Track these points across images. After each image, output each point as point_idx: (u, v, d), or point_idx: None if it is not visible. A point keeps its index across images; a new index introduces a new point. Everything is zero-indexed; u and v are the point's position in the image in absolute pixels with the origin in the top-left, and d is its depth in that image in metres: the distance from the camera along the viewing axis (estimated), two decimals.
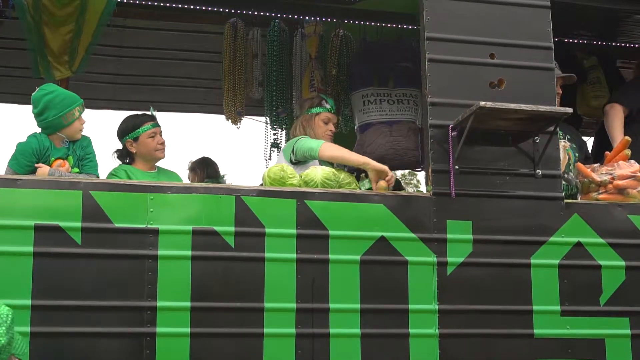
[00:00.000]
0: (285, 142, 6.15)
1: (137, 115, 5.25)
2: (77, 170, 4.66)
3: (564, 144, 5.32)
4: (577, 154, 5.42)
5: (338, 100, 6.41)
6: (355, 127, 6.11)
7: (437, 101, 4.69)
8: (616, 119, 5.62)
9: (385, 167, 4.80)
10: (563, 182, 5.14)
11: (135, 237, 4.21)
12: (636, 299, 4.73)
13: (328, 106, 5.32)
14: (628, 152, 5.11)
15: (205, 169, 6.64)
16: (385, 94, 5.97)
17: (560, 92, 5.28)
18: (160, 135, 5.18)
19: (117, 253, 4.18)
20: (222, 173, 6.57)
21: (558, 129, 5.23)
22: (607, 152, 5.23)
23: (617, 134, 5.57)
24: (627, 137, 5.23)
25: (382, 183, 4.73)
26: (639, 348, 4.68)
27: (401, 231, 4.49)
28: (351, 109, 6.24)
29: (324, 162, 5.03)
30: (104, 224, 4.18)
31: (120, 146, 5.19)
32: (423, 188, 4.80)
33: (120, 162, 5.18)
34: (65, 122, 4.64)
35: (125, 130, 5.13)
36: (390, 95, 5.97)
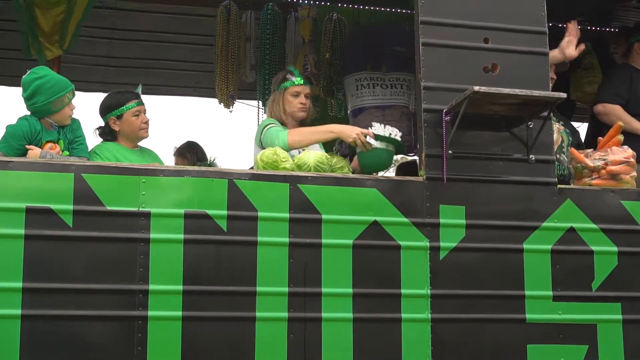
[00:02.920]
0: None
1: (121, 92, 5.12)
2: (67, 153, 4.62)
3: (557, 127, 5.33)
4: (570, 138, 5.42)
5: (331, 84, 6.40)
6: (348, 111, 6.11)
7: (430, 85, 4.67)
8: (623, 115, 5.60)
9: (349, 127, 4.77)
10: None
11: (127, 220, 4.19)
12: (628, 284, 4.74)
13: (294, 79, 5.07)
14: (621, 137, 5.11)
15: (194, 152, 6.62)
16: (379, 78, 5.97)
17: (555, 77, 5.28)
18: (145, 114, 5.07)
19: (109, 236, 4.16)
20: (212, 156, 6.54)
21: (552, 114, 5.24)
22: (600, 138, 5.23)
23: (636, 124, 5.59)
24: (620, 123, 5.22)
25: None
26: (630, 333, 4.70)
27: (394, 216, 4.48)
28: (344, 93, 6.23)
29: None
30: (96, 207, 4.16)
31: (102, 123, 5.07)
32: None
33: (102, 140, 5.06)
34: (54, 108, 4.57)
35: (109, 107, 5.01)
36: (384, 79, 5.96)
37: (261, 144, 4.87)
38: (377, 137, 4.61)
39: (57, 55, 5.68)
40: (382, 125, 4.67)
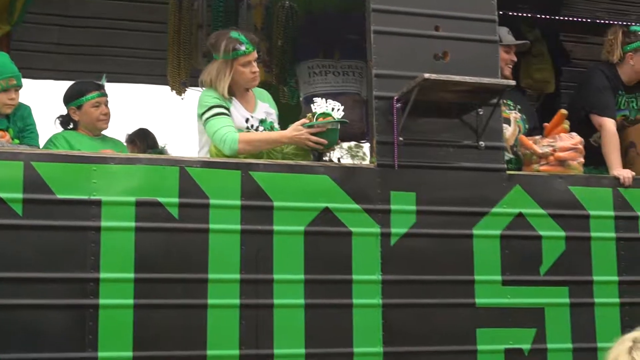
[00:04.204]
0: None
1: (84, 82, 5.12)
2: (17, 141, 4.57)
3: (514, 116, 5.38)
4: (526, 126, 5.45)
5: (283, 71, 6.40)
6: (301, 99, 6.12)
7: (381, 73, 4.70)
8: (615, 140, 5.36)
9: (297, 135, 4.56)
10: (511, 156, 5.21)
11: (78, 208, 4.16)
12: (575, 268, 4.82)
13: (243, 47, 4.70)
14: (567, 125, 5.18)
15: (145, 140, 6.59)
16: (331, 66, 5.98)
17: (516, 59, 5.34)
18: (106, 106, 5.06)
19: (60, 225, 4.13)
20: (163, 144, 6.51)
21: (509, 99, 5.29)
22: (545, 124, 5.29)
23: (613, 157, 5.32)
24: (564, 110, 5.29)
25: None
26: (577, 317, 4.78)
27: (345, 202, 4.51)
28: (297, 80, 6.24)
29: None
30: (46, 195, 4.13)
31: (64, 112, 5.07)
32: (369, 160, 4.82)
33: (63, 129, 5.06)
34: None
35: (70, 97, 5.01)
36: (336, 67, 5.98)
37: (202, 119, 4.66)
38: (319, 116, 4.55)
39: (5, 32, 5.57)
40: (324, 100, 4.60)
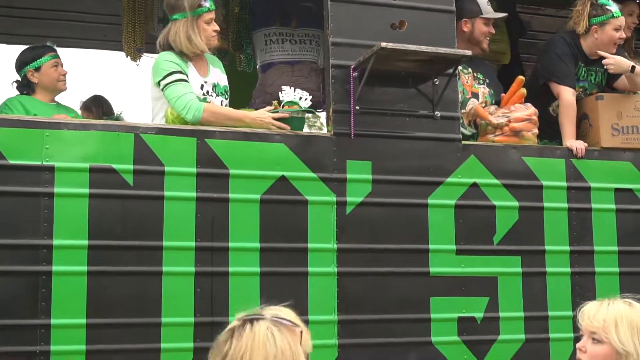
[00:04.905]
0: None
1: (37, 46, 5.16)
2: None
3: (483, 91, 5.38)
4: (493, 101, 5.45)
5: (240, 38, 6.36)
6: (257, 66, 6.08)
7: (338, 41, 4.69)
8: (571, 110, 5.39)
9: (260, 117, 4.56)
10: (474, 130, 5.22)
11: (31, 174, 4.11)
12: (528, 238, 4.88)
13: (207, 4, 4.70)
14: (523, 90, 5.21)
15: (100, 106, 6.51)
16: (288, 34, 5.95)
17: (494, 31, 5.35)
18: (62, 67, 5.11)
19: (12, 190, 4.08)
20: (118, 111, 6.45)
21: (479, 72, 5.31)
22: (502, 94, 5.32)
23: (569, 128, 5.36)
24: (521, 77, 5.32)
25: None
26: (528, 285, 4.84)
27: (301, 171, 4.51)
28: (253, 48, 6.20)
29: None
30: None
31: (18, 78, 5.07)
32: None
33: (19, 93, 5.05)
34: None
35: (27, 60, 5.04)
36: (293, 35, 5.94)
37: (159, 85, 4.59)
38: (286, 104, 4.58)
39: None
40: (292, 89, 4.64)
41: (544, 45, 5.93)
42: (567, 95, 5.37)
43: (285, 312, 2.40)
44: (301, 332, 2.34)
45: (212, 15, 4.73)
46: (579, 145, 5.11)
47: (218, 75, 4.86)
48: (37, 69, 5.02)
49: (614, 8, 5.52)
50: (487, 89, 5.42)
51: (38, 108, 4.83)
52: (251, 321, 2.30)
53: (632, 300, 2.98)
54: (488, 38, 5.38)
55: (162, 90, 4.57)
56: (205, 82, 4.72)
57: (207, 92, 4.68)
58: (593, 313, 2.94)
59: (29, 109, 4.80)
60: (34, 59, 5.02)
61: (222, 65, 4.99)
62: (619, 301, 2.96)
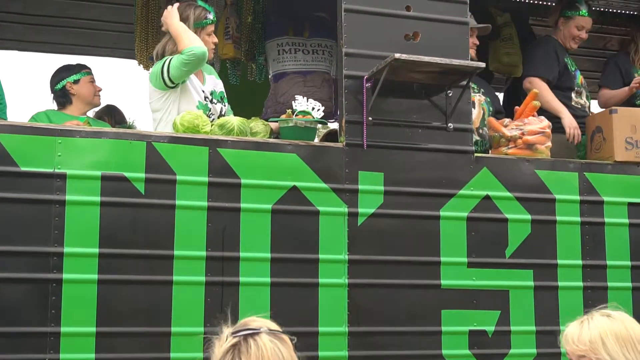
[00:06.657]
0: None
1: (73, 65, 5.41)
2: None
3: (479, 98, 5.39)
4: (490, 108, 5.48)
5: (252, 48, 6.36)
6: (269, 76, 6.08)
7: (352, 52, 4.68)
8: (546, 92, 5.60)
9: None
10: (477, 138, 5.22)
11: (42, 181, 4.11)
12: (540, 252, 4.86)
13: (211, 16, 4.85)
14: (537, 103, 5.20)
15: (113, 116, 6.51)
16: (300, 44, 5.94)
17: (478, 42, 5.33)
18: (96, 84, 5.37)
19: (23, 197, 4.07)
20: (130, 119, 6.49)
21: (473, 82, 5.29)
22: (516, 107, 5.31)
23: (557, 105, 5.61)
24: (536, 90, 5.31)
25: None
26: (540, 299, 4.81)
27: (313, 181, 4.49)
28: (266, 57, 6.19)
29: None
30: (9, 168, 4.07)
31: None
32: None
33: (56, 104, 5.27)
34: None
35: (66, 72, 5.27)
36: (305, 45, 5.94)
37: (163, 82, 4.63)
38: (299, 113, 4.60)
39: None
40: (305, 98, 4.66)
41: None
42: (537, 82, 5.59)
43: (271, 323, 2.39)
44: (293, 341, 2.35)
45: (213, 27, 4.88)
46: (576, 132, 5.36)
47: (214, 81, 4.94)
48: (76, 82, 5.25)
49: (583, 8, 5.81)
50: (483, 97, 5.44)
51: (65, 120, 4.90)
52: (252, 336, 2.29)
53: (608, 310, 2.92)
54: (473, 48, 5.31)
55: (169, 66, 4.57)
56: (204, 90, 4.80)
57: (206, 99, 4.78)
58: (577, 336, 2.86)
59: (55, 122, 4.85)
60: (73, 73, 5.25)
61: (215, 72, 5.10)
62: (597, 316, 2.89)
